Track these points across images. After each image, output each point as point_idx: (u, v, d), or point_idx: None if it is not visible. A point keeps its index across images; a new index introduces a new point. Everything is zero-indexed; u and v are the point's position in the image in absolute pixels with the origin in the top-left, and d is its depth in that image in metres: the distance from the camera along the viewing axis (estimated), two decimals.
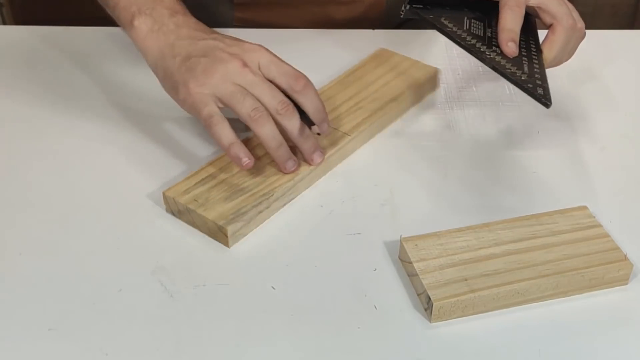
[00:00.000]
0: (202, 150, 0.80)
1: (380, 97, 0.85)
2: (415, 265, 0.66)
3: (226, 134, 0.71)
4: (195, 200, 0.71)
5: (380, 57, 0.91)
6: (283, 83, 0.73)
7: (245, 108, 0.71)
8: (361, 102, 0.84)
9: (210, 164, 0.76)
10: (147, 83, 0.88)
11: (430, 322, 0.64)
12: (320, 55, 0.94)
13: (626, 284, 0.67)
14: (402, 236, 0.68)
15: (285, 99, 0.72)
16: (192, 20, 0.77)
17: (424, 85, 0.88)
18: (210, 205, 0.71)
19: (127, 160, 0.79)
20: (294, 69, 0.73)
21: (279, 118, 0.72)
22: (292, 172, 0.74)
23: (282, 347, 0.62)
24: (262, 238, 0.71)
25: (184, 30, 0.76)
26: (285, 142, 0.73)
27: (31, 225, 0.72)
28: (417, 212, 0.74)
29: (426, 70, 0.89)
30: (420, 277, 0.65)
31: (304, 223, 0.73)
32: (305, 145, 0.74)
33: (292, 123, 0.72)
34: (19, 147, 0.81)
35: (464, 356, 0.62)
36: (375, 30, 0.99)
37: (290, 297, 0.66)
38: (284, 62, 0.74)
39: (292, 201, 0.75)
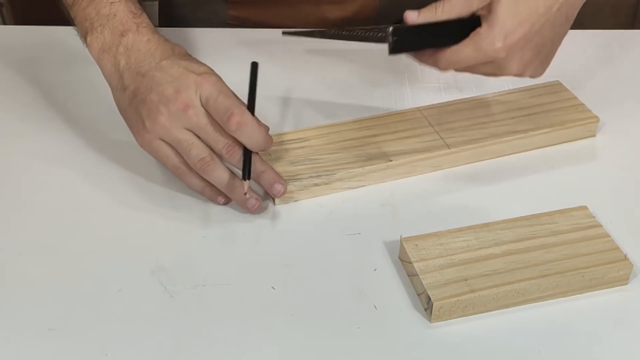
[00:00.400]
0: None
1: (510, 125, 0.81)
2: (415, 265, 0.66)
3: (195, 183, 0.73)
4: (269, 154, 0.76)
5: (550, 88, 0.86)
6: (220, 123, 0.71)
7: (191, 160, 0.71)
8: (489, 124, 0.81)
9: (308, 129, 0.80)
10: None
11: (430, 322, 0.64)
12: (317, 56, 0.94)
13: (626, 284, 0.67)
14: (402, 236, 0.68)
15: (227, 140, 0.71)
16: (144, 39, 0.74)
17: (569, 130, 0.82)
18: (276, 162, 0.76)
19: (128, 160, 0.78)
20: (231, 103, 0.70)
21: (227, 160, 0.72)
22: (256, 209, 0.72)
23: (282, 347, 0.62)
24: (262, 237, 0.72)
25: (133, 56, 0.74)
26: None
27: (31, 225, 0.72)
28: (417, 212, 0.74)
29: (583, 116, 0.82)
30: (420, 277, 0.65)
31: (304, 223, 0.73)
32: (261, 181, 0.73)
33: (239, 163, 0.71)
34: (18, 147, 0.81)
35: (464, 356, 0.62)
36: None
37: (290, 297, 0.66)
38: (224, 93, 0.70)
39: (297, 202, 0.75)
